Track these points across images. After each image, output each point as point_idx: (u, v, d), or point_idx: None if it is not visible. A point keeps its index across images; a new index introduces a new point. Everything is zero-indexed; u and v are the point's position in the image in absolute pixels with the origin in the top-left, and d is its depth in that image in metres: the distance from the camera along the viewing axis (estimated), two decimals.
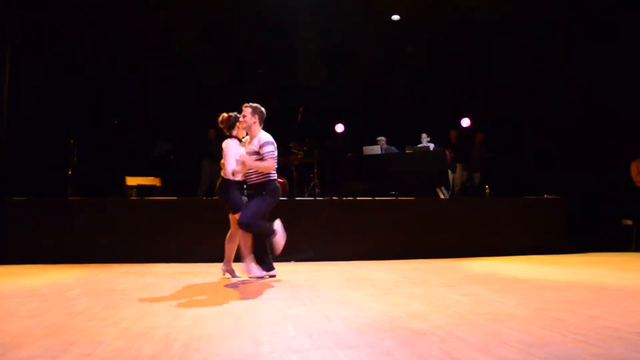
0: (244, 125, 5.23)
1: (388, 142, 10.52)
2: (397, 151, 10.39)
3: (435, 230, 7.87)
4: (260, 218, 5.09)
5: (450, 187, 10.06)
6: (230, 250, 5.41)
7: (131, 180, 8.22)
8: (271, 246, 5.14)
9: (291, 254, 7.30)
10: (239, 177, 5.18)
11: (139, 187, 8.13)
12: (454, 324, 3.00)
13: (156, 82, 10.46)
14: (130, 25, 9.81)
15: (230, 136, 5.31)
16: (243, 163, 5.05)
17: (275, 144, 5.20)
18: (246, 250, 5.11)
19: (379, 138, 10.51)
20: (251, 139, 5.22)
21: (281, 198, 7.85)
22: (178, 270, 6.26)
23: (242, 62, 11.11)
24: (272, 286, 4.84)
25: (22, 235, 7.20)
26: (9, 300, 4.07)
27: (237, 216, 5.09)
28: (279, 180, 8.52)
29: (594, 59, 9.77)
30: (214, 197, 8.25)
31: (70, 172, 8.36)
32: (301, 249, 7.37)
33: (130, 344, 2.61)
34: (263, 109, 5.28)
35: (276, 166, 5.24)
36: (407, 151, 10.18)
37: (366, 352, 2.44)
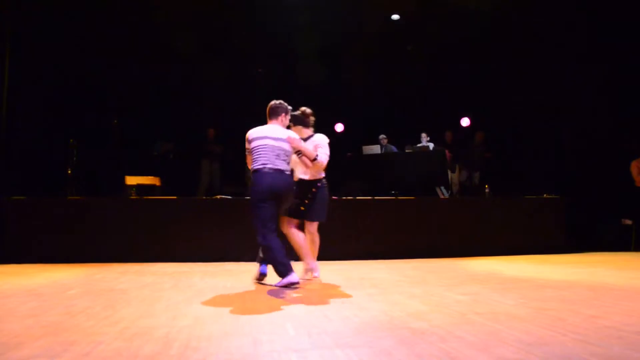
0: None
1: (389, 142, 10.53)
2: (396, 150, 10.40)
3: (434, 229, 7.87)
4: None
5: (450, 187, 10.07)
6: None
7: (131, 180, 8.22)
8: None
9: (289, 253, 7.32)
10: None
11: (139, 187, 8.12)
12: (453, 324, 3.00)
13: (156, 81, 10.46)
14: (130, 24, 9.81)
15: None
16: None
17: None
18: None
19: (381, 136, 10.52)
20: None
21: None
22: (177, 269, 6.26)
23: (242, 62, 11.11)
24: (272, 286, 4.84)
25: (21, 235, 7.19)
26: (8, 299, 4.06)
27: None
28: None
29: (594, 59, 9.77)
30: (214, 197, 8.28)
31: (69, 172, 8.35)
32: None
33: (129, 344, 2.60)
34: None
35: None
36: (406, 151, 10.19)
37: (365, 351, 2.44)
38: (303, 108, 5.26)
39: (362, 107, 11.72)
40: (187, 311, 3.51)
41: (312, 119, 5.28)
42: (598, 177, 9.76)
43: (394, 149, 10.39)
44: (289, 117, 5.06)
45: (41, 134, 9.13)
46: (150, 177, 8.51)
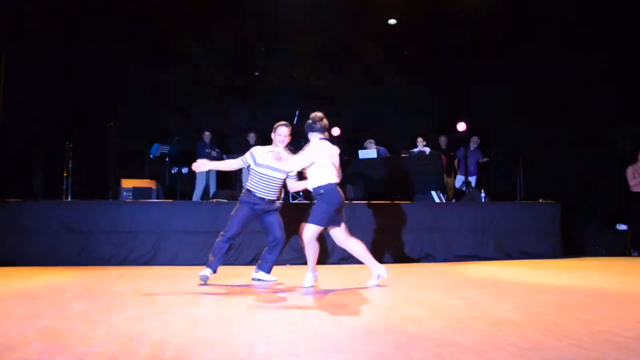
0: (284, 145, 5.35)
1: (377, 143, 10.45)
2: (384, 150, 10.33)
3: (430, 234, 7.88)
4: None
5: (446, 191, 10.07)
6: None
7: (126, 183, 8.21)
8: None
9: (286, 257, 7.31)
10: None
11: (135, 190, 8.11)
12: (449, 328, 2.99)
13: (152, 84, 10.45)
14: (127, 26, 9.81)
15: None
16: None
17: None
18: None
19: (369, 141, 10.51)
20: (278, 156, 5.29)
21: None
22: (173, 273, 6.24)
23: (240, 64, 11.11)
24: (268, 290, 4.83)
25: (16, 237, 7.17)
26: (2, 302, 4.04)
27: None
28: None
29: (591, 64, 9.81)
30: (210, 200, 8.28)
31: (65, 174, 8.33)
32: (296, 253, 7.37)
33: (124, 348, 2.59)
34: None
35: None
36: (403, 155, 10.18)
37: (361, 356, 2.43)
38: (313, 114, 5.16)
39: (359, 111, 11.74)
40: (182, 315, 3.49)
41: (322, 123, 5.10)
42: (594, 182, 9.79)
43: (382, 150, 10.34)
44: (276, 136, 5.35)
45: (37, 136, 9.10)
46: (146, 180, 8.50)
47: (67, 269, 6.66)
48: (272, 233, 5.32)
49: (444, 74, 11.36)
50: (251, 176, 5.35)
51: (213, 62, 10.69)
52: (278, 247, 5.36)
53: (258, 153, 5.30)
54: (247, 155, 5.33)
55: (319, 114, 5.13)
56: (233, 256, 7.31)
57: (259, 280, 5.41)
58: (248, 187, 5.33)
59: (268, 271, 5.45)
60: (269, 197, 5.30)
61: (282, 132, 5.33)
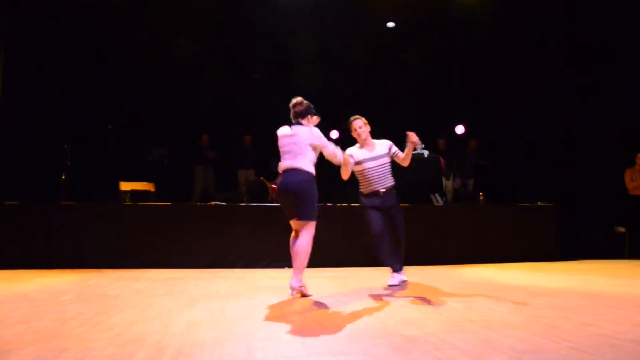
0: (365, 136, 5.47)
1: None
2: None
3: (429, 237, 7.87)
4: None
5: (444, 194, 10.07)
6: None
7: (125, 185, 8.20)
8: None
9: (285, 260, 7.31)
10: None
11: (133, 192, 8.10)
12: (447, 331, 3.00)
13: (151, 86, 10.45)
14: (125, 29, 9.80)
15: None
16: None
17: None
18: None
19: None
20: (367, 146, 5.48)
21: (274, 204, 7.88)
22: (171, 276, 6.23)
23: (238, 67, 11.12)
24: (266, 292, 4.82)
25: (14, 240, 7.15)
26: (0, 305, 4.03)
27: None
28: (273, 186, 8.57)
29: (589, 67, 9.83)
30: (209, 203, 8.26)
31: (63, 177, 8.32)
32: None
33: (122, 350, 2.59)
34: None
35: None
36: None
37: (359, 358, 2.44)
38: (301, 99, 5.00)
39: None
40: (180, 317, 3.49)
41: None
42: (592, 184, 9.80)
43: None
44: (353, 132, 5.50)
45: (35, 138, 9.09)
46: (144, 182, 8.49)
47: (65, 271, 6.65)
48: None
49: (443, 76, 11.37)
50: (357, 178, 5.43)
51: (212, 64, 10.68)
52: (401, 245, 5.38)
53: (352, 151, 5.36)
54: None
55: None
56: (233, 259, 7.31)
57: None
58: (360, 190, 5.44)
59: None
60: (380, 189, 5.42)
61: (357, 125, 5.53)
